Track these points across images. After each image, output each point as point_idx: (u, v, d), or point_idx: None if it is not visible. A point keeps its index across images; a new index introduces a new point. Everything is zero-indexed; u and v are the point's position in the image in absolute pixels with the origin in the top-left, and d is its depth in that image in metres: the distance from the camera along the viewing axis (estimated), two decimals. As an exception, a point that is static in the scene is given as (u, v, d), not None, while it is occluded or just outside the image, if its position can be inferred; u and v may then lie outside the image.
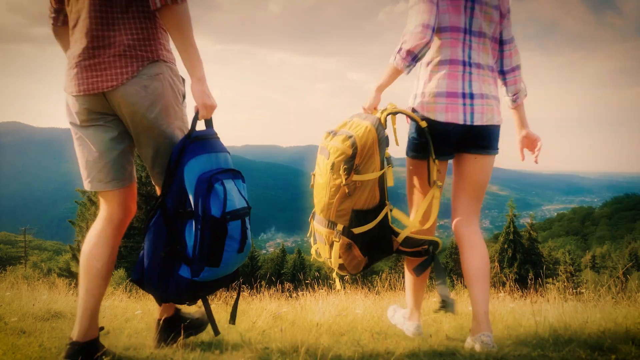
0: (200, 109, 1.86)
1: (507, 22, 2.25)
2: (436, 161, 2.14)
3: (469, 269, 2.17)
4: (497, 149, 2.25)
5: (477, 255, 2.18)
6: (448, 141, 2.16)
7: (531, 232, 25.95)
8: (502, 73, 2.31)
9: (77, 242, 20.63)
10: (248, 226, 1.91)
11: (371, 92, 2.19)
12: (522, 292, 4.72)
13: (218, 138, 1.97)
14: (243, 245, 1.88)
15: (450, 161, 2.30)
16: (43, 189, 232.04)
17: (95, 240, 1.90)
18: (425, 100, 2.15)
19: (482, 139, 2.18)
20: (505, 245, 25.34)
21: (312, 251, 2.34)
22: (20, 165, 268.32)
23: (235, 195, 1.87)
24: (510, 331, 2.49)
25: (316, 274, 12.13)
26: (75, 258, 20.12)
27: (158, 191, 1.99)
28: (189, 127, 1.92)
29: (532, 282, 4.81)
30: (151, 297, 4.32)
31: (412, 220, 2.20)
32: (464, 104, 2.11)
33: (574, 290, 4.35)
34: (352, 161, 2.00)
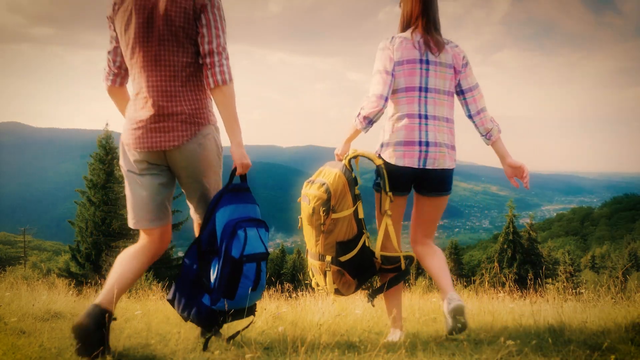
0: (239, 168, 2.23)
1: (464, 74, 2.54)
2: (389, 194, 2.48)
3: (434, 268, 2.52)
4: (449, 190, 2.58)
5: (436, 258, 2.56)
6: (403, 179, 2.49)
7: (531, 232, 26.00)
8: (470, 117, 2.59)
9: (76, 242, 20.60)
10: (263, 269, 2.21)
11: (341, 143, 2.59)
12: (522, 292, 4.72)
13: (250, 191, 2.32)
14: (257, 285, 2.18)
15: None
16: (43, 189, 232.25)
17: (137, 249, 2.24)
18: (389, 149, 2.48)
19: (434, 182, 2.51)
20: (505, 246, 25.39)
21: (313, 284, 2.65)
22: (19, 165, 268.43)
23: (255, 241, 2.18)
24: (509, 331, 2.49)
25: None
26: (75, 258, 20.11)
27: (196, 232, 2.37)
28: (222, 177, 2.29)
29: (532, 282, 4.79)
30: (151, 298, 4.34)
31: (377, 245, 2.52)
32: (420, 151, 2.43)
33: (574, 291, 4.35)
34: (329, 203, 2.39)
